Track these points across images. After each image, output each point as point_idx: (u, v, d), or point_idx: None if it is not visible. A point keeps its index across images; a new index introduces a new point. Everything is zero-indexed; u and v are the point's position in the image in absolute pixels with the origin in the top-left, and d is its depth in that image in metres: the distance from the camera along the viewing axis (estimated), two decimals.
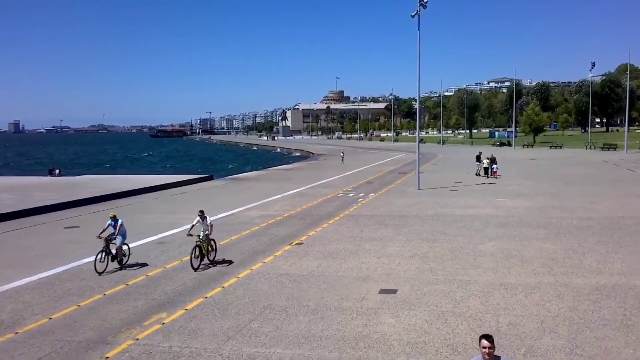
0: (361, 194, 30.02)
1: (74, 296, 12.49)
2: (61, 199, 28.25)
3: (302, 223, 21.30)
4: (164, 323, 10.59)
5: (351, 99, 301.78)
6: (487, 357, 5.80)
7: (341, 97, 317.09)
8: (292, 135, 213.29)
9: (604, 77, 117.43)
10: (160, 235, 19.34)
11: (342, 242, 17.59)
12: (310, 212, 24.01)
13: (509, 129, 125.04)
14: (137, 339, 9.81)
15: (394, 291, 12.27)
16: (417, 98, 35.19)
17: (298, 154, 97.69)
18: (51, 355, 9.20)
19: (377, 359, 8.73)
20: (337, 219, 22.01)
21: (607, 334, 9.51)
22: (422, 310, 11.03)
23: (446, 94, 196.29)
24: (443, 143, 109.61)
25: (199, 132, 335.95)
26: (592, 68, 75.47)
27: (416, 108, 39.49)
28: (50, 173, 47.67)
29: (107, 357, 9.04)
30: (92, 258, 15.96)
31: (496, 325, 10.03)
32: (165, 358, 8.95)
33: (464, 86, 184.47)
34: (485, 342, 5.87)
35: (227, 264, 15.04)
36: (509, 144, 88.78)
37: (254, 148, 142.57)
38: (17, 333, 10.26)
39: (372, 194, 29.98)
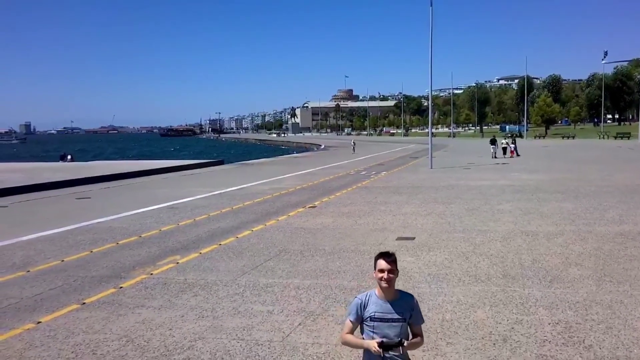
0: (373, 172, 29.77)
1: (87, 245, 12.31)
2: (71, 176, 28.19)
3: (314, 193, 21.06)
4: (178, 262, 10.38)
5: (360, 97, 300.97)
6: (385, 286, 3.66)
7: (350, 96, 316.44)
8: (301, 133, 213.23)
9: (615, 69, 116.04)
10: (171, 203, 19.10)
11: (357, 205, 17.33)
12: (322, 186, 23.77)
13: (520, 125, 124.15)
14: (152, 274, 9.60)
15: (412, 238, 11.99)
16: (428, 95, 35.06)
17: (308, 146, 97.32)
18: (63, 287, 8.99)
19: (399, 287, 8.42)
20: (350, 190, 21.75)
21: (636, 266, 9.19)
22: (441, 251, 10.74)
23: (456, 91, 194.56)
24: (454, 136, 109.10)
25: (208, 131, 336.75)
26: (605, 57, 74.54)
27: (425, 106, 39.60)
28: (62, 159, 47.75)
29: (122, 287, 8.83)
30: (105, 219, 15.90)
31: (519, 262, 9.73)
32: (181, 287, 8.73)
33: (474, 83, 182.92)
34: (382, 264, 3.64)
35: None
36: (521, 136, 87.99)
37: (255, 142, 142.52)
38: (28, 271, 10.07)
39: (384, 172, 29.72)
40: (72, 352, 6.26)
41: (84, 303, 8.06)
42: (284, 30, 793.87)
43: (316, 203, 18.04)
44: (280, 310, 7.49)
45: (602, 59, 76.25)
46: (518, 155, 39.67)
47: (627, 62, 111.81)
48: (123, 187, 25.77)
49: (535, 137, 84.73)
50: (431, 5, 31.06)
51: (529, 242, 11.27)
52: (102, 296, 8.38)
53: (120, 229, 14.12)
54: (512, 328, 6.59)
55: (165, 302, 7.98)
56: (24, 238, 13.30)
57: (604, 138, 72.77)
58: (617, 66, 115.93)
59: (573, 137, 78.53)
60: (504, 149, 39.19)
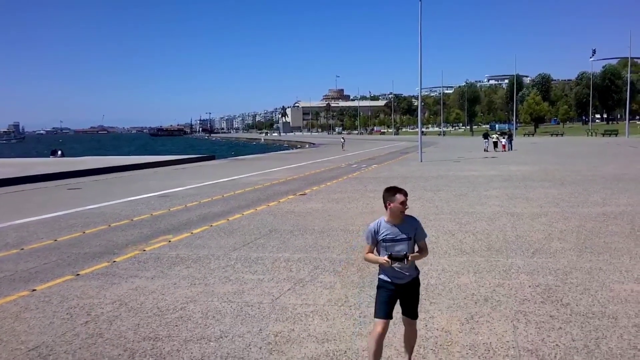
0: (363, 165, 30.03)
1: (79, 227, 12.45)
2: (62, 170, 28.21)
3: (305, 183, 21.27)
4: (170, 241, 10.55)
5: (351, 97, 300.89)
6: (401, 215, 4.40)
7: (341, 96, 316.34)
8: (292, 132, 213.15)
9: (604, 68, 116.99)
10: (162, 192, 19.24)
11: (346, 193, 17.56)
12: (312, 177, 23.99)
13: (510, 123, 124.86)
14: (144, 250, 9.77)
15: None
16: (417, 95, 35.29)
17: (298, 145, 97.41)
18: (57, 261, 9.15)
19: None
20: (340, 180, 21.98)
21: (616, 240, 9.48)
22: (428, 230, 10.68)
23: (446, 91, 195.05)
24: (444, 135, 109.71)
25: (199, 131, 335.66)
26: (593, 55, 75.23)
27: (416, 105, 40.06)
28: (53, 154, 47.63)
29: (115, 261, 8.99)
30: (97, 205, 16.02)
31: (503, 237, 9.99)
32: (174, 261, 8.91)
33: (464, 83, 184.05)
34: (402, 197, 4.36)
35: None
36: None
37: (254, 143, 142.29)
38: (22, 249, 10.21)
39: (374, 165, 30.00)
40: (67, 314, 6.43)
41: (78, 274, 8.23)
42: (275, 31, 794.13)
43: (306, 191, 18.25)
44: (271, 279, 7.69)
45: (590, 57, 76.99)
46: (511, 149, 40.28)
47: (615, 60, 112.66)
48: (114, 179, 25.84)
49: (524, 135, 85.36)
50: (420, 1, 31.35)
51: (514, 221, 11.54)
52: (96, 269, 8.54)
53: (112, 214, 14.26)
54: (494, 290, 6.84)
55: (158, 273, 8.16)
56: (17, 222, 13.42)
57: (592, 135, 73.50)
58: (605, 65, 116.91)
59: (561, 135, 79.30)
60: (495, 143, 39.90)
